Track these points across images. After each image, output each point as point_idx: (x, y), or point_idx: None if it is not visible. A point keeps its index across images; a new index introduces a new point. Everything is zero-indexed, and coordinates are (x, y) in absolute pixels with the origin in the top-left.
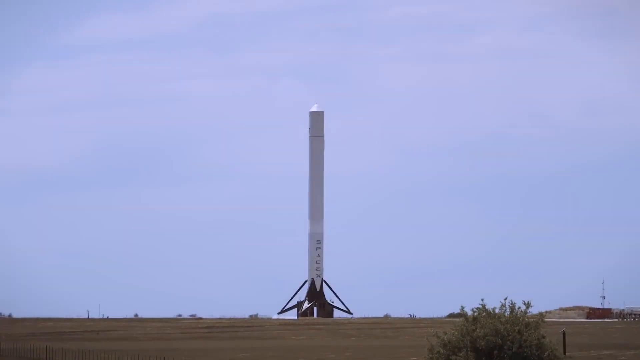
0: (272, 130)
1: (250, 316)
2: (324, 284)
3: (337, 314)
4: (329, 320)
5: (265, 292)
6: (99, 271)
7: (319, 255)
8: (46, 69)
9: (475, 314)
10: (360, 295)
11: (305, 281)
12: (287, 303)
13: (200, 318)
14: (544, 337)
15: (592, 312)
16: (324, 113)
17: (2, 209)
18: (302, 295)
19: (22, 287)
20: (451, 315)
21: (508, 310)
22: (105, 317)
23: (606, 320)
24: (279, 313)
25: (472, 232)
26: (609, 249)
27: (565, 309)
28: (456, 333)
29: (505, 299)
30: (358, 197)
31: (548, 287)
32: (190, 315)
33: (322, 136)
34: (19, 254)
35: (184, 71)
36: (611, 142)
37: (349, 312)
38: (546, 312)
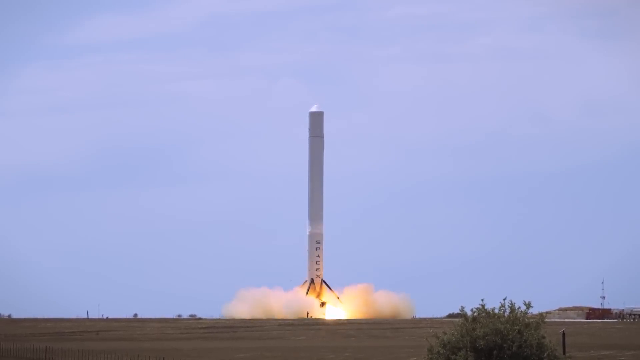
0: (272, 131)
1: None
2: (324, 284)
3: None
4: (328, 320)
5: None
6: (99, 271)
7: (318, 256)
8: (46, 69)
9: (475, 314)
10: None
11: (305, 281)
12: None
13: (200, 318)
14: (543, 337)
15: (592, 312)
16: (324, 113)
17: (2, 209)
18: None
19: (22, 288)
20: (451, 315)
21: (508, 310)
22: (105, 317)
23: (606, 320)
24: None
25: (472, 232)
26: (609, 249)
27: (565, 309)
28: (456, 333)
29: (505, 299)
30: (358, 197)
31: (548, 287)
32: (190, 316)
33: (322, 136)
34: (18, 254)
35: (184, 71)
36: (611, 143)
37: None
38: (546, 312)
